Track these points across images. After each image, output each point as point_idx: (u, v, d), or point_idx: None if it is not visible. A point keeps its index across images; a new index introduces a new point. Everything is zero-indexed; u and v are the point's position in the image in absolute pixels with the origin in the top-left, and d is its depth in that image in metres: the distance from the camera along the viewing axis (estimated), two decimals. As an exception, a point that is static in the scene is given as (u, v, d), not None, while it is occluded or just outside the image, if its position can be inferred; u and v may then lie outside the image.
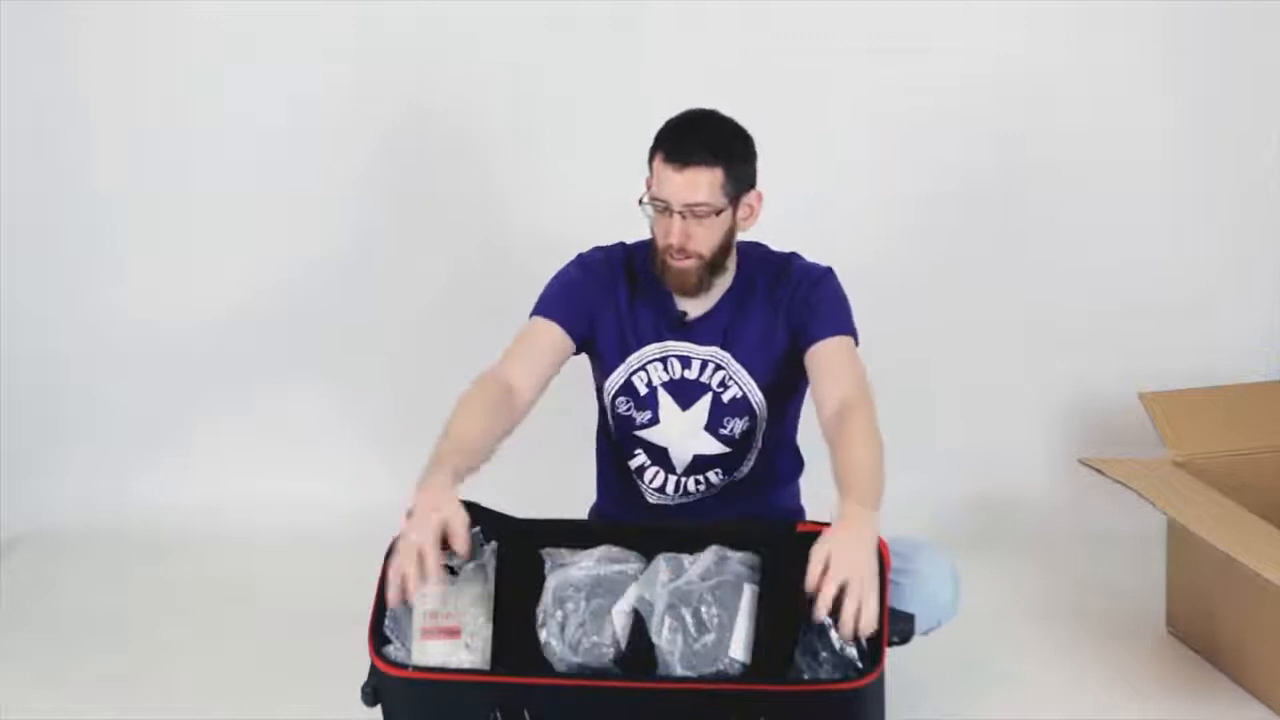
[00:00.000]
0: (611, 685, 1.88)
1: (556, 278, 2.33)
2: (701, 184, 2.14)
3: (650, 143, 2.21)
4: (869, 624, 1.82)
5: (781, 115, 3.25)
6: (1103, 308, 3.39)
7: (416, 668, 1.91)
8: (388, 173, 3.40)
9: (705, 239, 2.17)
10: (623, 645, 1.90)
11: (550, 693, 1.88)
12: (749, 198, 2.21)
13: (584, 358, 2.37)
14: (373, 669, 1.94)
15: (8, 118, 3.37)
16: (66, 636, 2.84)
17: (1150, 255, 3.37)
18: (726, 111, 2.25)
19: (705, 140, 2.16)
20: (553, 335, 2.26)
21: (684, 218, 2.14)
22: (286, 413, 3.45)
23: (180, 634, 2.84)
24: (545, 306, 2.29)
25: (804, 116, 3.30)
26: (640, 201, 2.20)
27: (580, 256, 2.34)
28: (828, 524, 1.97)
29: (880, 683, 1.86)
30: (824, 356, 2.21)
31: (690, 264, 2.18)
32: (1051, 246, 3.37)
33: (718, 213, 2.16)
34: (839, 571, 1.82)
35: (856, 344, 2.25)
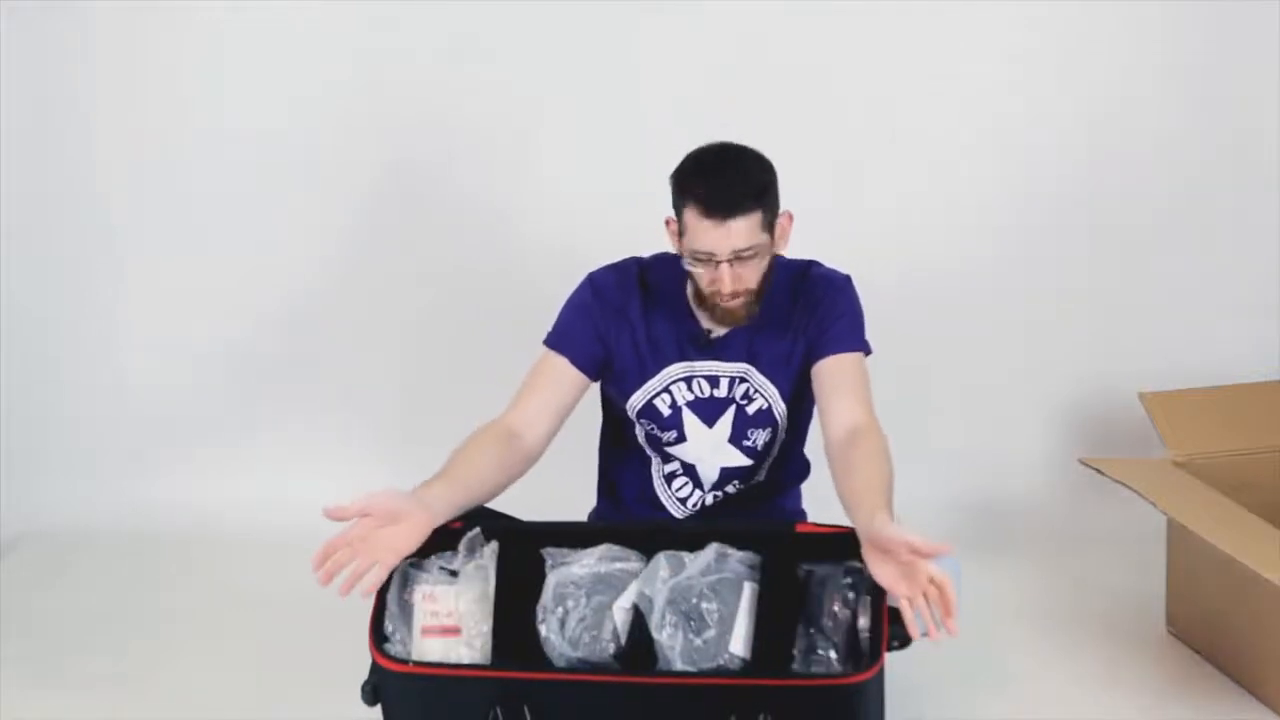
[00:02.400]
0: (612, 680, 1.88)
1: (568, 303, 2.30)
2: (744, 230, 2.10)
3: (672, 177, 2.17)
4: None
5: (782, 118, 3.27)
6: (1103, 308, 3.39)
7: (417, 663, 1.92)
8: (388, 175, 3.40)
9: (753, 275, 2.16)
10: (623, 641, 1.90)
11: (550, 687, 1.88)
12: (780, 221, 2.20)
13: None
14: (373, 666, 1.94)
15: (8, 118, 3.37)
16: (66, 636, 2.84)
17: (1150, 255, 3.37)
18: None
19: (741, 188, 2.11)
20: (564, 372, 2.25)
21: (731, 264, 2.12)
22: (287, 412, 3.45)
23: (180, 634, 2.84)
24: (557, 339, 2.28)
25: (805, 119, 3.30)
26: (681, 257, 2.18)
27: (591, 277, 2.31)
28: (828, 526, 1.97)
29: (880, 678, 1.86)
30: (833, 374, 2.20)
31: (740, 300, 2.17)
32: (1051, 246, 3.37)
33: (765, 250, 2.15)
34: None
35: (868, 354, 2.26)
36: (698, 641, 1.88)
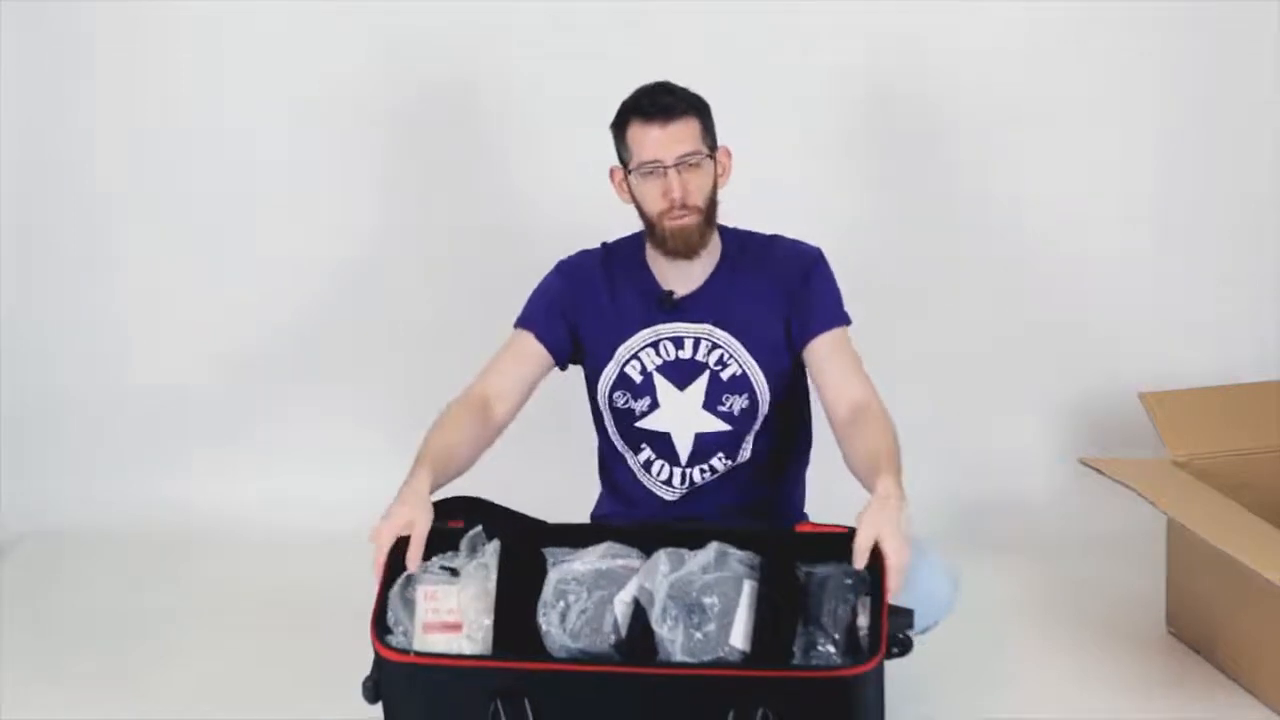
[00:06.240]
0: (611, 671, 1.88)
1: (537, 287, 2.38)
2: (686, 134, 2.20)
3: (612, 123, 2.25)
4: (903, 557, 1.87)
5: (783, 115, 3.28)
6: (1103, 308, 3.38)
7: (418, 653, 1.92)
8: (388, 173, 3.41)
9: (700, 189, 2.22)
10: (623, 633, 1.91)
11: (550, 679, 1.88)
12: (720, 154, 2.27)
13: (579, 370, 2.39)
14: (375, 660, 1.94)
15: (7, 118, 3.37)
16: (66, 636, 2.84)
17: (1150, 255, 3.37)
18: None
19: (677, 96, 2.23)
20: (530, 347, 2.32)
21: (679, 171, 2.19)
22: (287, 411, 3.45)
23: (180, 634, 2.84)
24: (524, 318, 2.35)
25: (806, 117, 3.31)
26: (628, 172, 2.23)
27: (559, 262, 2.39)
28: (829, 525, 1.98)
29: (880, 673, 1.85)
30: (824, 354, 2.25)
31: (691, 219, 2.22)
32: (1051, 246, 3.37)
33: (707, 156, 2.22)
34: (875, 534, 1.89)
35: (849, 323, 2.29)
36: (698, 635, 1.88)
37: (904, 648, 1.89)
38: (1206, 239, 3.38)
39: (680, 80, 2.26)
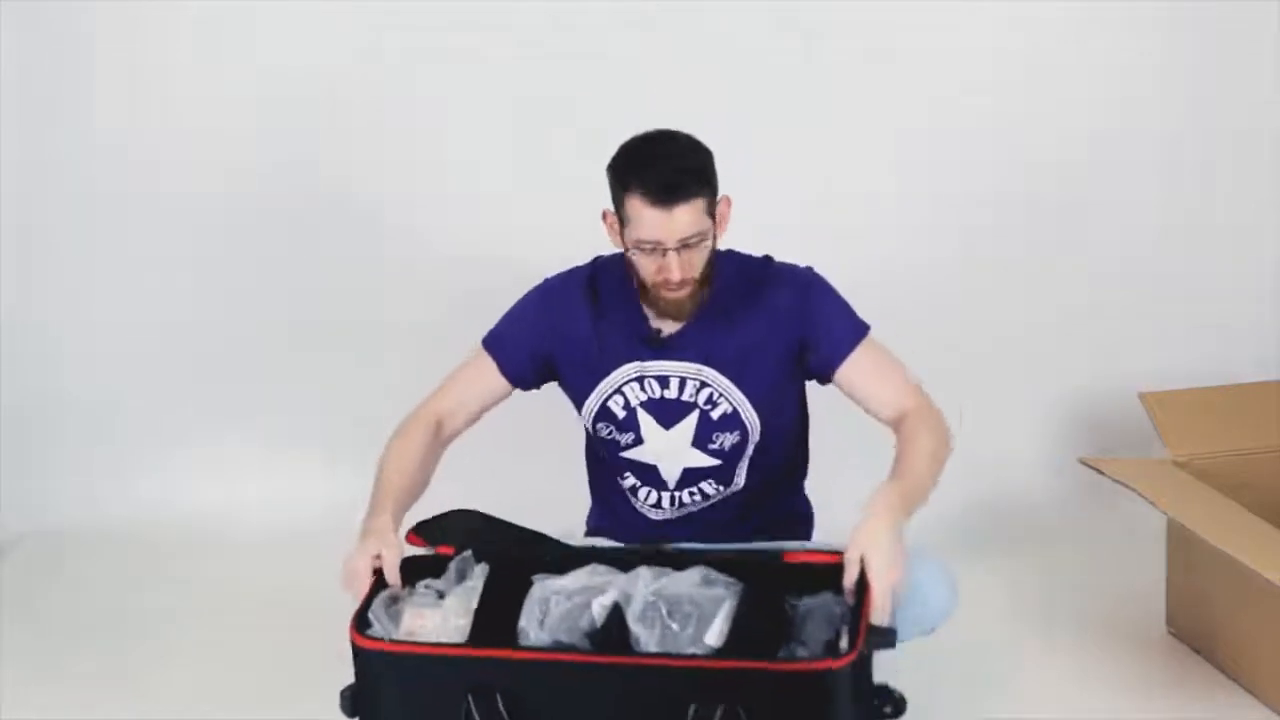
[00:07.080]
0: (583, 660, 1.86)
1: (514, 309, 2.32)
2: (690, 217, 2.08)
3: (609, 169, 2.14)
4: (889, 576, 1.89)
5: (782, 117, 3.28)
6: (1102, 308, 3.39)
7: (391, 641, 1.91)
8: (388, 173, 3.40)
9: (699, 263, 2.14)
10: (598, 625, 1.89)
11: (522, 670, 1.86)
12: (720, 207, 2.17)
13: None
14: (355, 667, 1.92)
15: (7, 118, 3.37)
16: (66, 636, 2.84)
17: (1150, 255, 3.37)
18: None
19: (682, 172, 2.09)
20: (489, 373, 2.28)
21: (679, 252, 2.10)
22: (286, 412, 3.45)
23: (180, 634, 2.84)
24: (492, 341, 2.30)
25: (805, 118, 3.30)
26: (626, 250, 2.15)
27: (543, 284, 2.31)
28: (819, 554, 1.99)
29: (859, 671, 1.83)
30: (852, 380, 2.21)
31: (687, 290, 2.15)
32: (1051, 246, 3.38)
33: (710, 236, 2.14)
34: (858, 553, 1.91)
35: (867, 330, 2.24)
36: (674, 631, 1.86)
37: (898, 709, 1.88)
38: (1206, 239, 3.38)
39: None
